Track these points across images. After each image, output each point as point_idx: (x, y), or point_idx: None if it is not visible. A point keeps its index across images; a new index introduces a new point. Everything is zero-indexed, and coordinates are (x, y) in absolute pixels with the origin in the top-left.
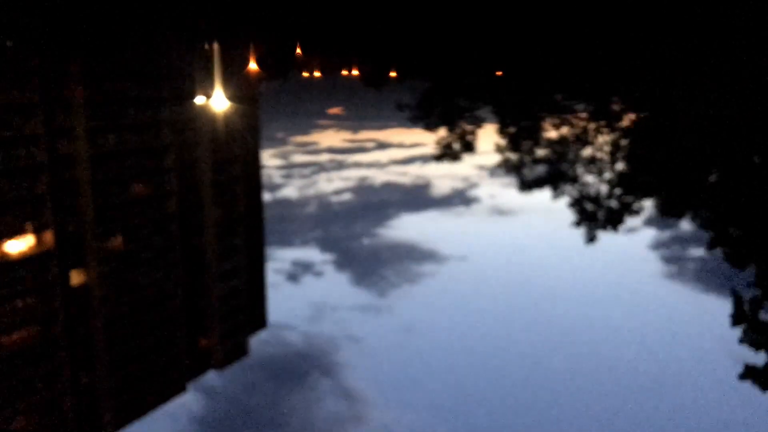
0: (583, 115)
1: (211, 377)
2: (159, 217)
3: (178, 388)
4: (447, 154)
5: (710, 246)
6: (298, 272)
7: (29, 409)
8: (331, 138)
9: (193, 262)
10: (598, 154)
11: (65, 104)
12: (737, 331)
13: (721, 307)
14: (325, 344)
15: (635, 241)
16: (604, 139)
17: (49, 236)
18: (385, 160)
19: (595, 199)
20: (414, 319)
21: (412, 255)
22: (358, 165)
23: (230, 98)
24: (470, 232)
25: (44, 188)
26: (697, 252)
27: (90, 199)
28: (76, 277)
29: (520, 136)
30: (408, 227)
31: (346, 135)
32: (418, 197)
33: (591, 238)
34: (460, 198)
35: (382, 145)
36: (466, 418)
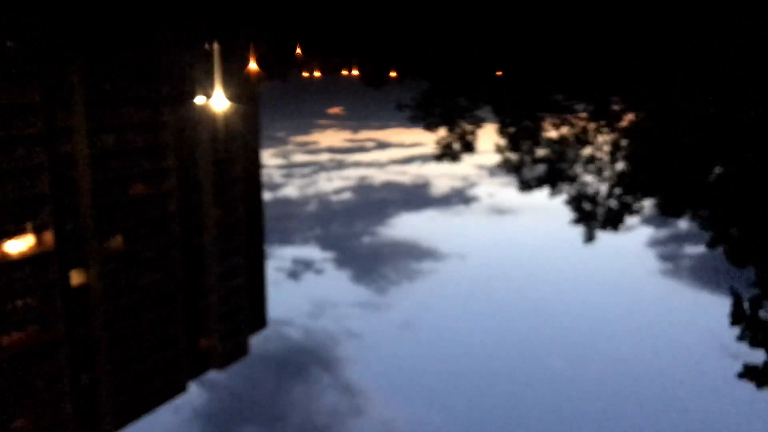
0: (583, 115)
1: (214, 372)
2: (159, 217)
3: (178, 388)
4: (447, 154)
5: (710, 245)
6: (298, 270)
7: (29, 409)
8: (331, 138)
9: (193, 262)
10: (598, 154)
11: (65, 104)
12: (728, 326)
13: (715, 302)
14: (326, 340)
15: (632, 239)
16: (604, 139)
17: (49, 236)
18: (384, 160)
19: (595, 199)
20: (413, 315)
21: (412, 253)
22: (357, 164)
23: (230, 98)
24: (469, 231)
25: (44, 188)
26: (692, 249)
27: (90, 199)
28: (76, 277)
29: (520, 136)
30: (407, 226)
31: (346, 135)
32: (417, 196)
33: (590, 238)
34: (459, 197)
35: (381, 145)
36: (463, 410)
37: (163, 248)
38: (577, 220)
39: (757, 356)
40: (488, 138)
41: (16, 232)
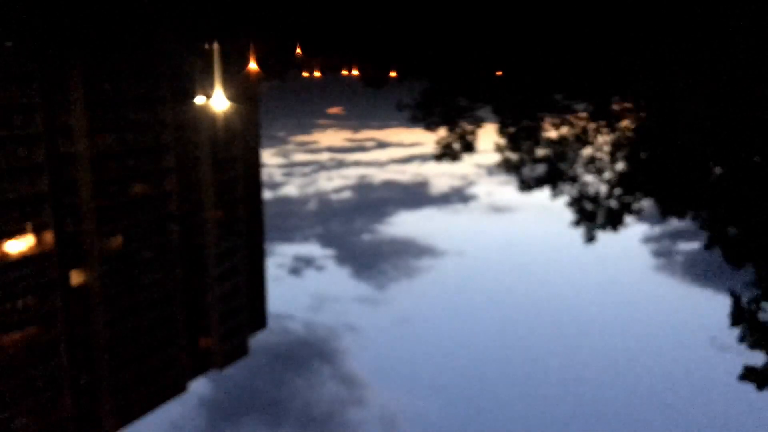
0: (583, 115)
1: (214, 372)
2: (159, 217)
3: (178, 388)
4: (447, 153)
5: (708, 246)
6: (299, 266)
7: (29, 409)
8: (331, 137)
9: (193, 262)
10: (598, 154)
11: (65, 104)
12: (720, 320)
13: (706, 297)
14: (326, 333)
15: (627, 236)
16: (604, 139)
17: (49, 236)
18: (384, 159)
19: (595, 199)
20: (411, 310)
21: (410, 250)
22: (357, 164)
23: (230, 98)
24: (467, 229)
25: (44, 188)
26: (685, 246)
27: (90, 199)
28: (76, 277)
29: (520, 136)
30: (406, 224)
31: (347, 134)
32: (416, 195)
33: (590, 238)
34: (458, 196)
35: (381, 145)
36: (460, 400)
37: (163, 248)
38: (578, 221)
39: (742, 347)
40: (488, 138)
41: (16, 232)
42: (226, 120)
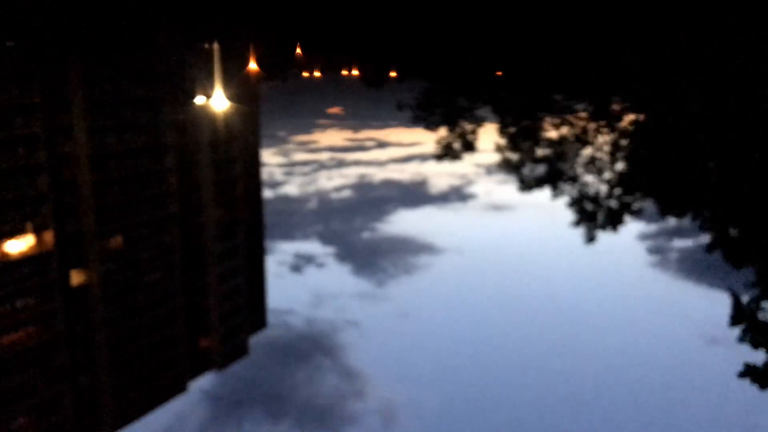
0: (583, 115)
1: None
2: (159, 217)
3: (178, 388)
4: (448, 153)
5: (709, 248)
6: (300, 264)
7: (29, 409)
8: (331, 137)
9: (193, 262)
10: (598, 154)
11: (65, 104)
12: (712, 315)
13: (699, 293)
14: (326, 328)
15: (623, 233)
16: (604, 139)
17: (49, 236)
18: (384, 159)
19: (595, 199)
20: (410, 306)
21: (409, 248)
22: (357, 163)
23: (230, 98)
24: (466, 227)
25: (44, 188)
26: (680, 243)
27: (90, 199)
28: (76, 277)
29: (520, 135)
30: (405, 222)
31: (347, 134)
32: (416, 194)
33: (591, 238)
34: (457, 194)
35: (381, 144)
36: (458, 394)
37: (163, 248)
38: (578, 221)
39: (727, 333)
40: (487, 137)
41: (16, 232)
42: (226, 120)
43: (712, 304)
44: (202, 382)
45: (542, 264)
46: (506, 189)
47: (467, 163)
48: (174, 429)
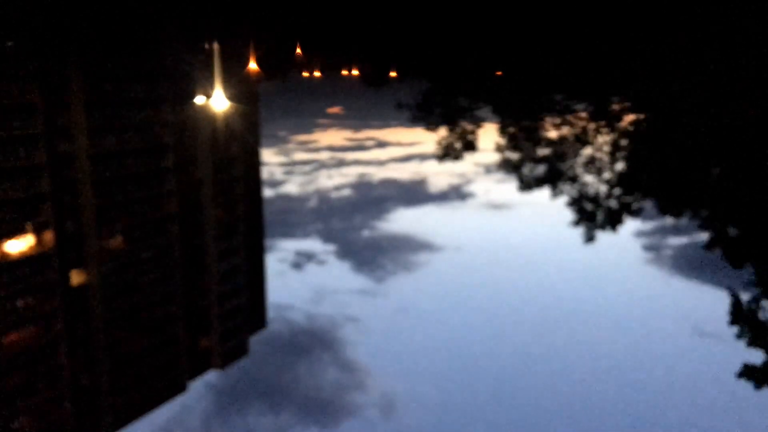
0: (583, 115)
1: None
2: (159, 217)
3: (178, 388)
4: (449, 154)
5: (708, 246)
6: (301, 261)
7: (29, 409)
8: (331, 137)
9: (193, 262)
10: (598, 154)
11: (65, 104)
12: (702, 309)
13: (691, 288)
14: (327, 323)
15: (620, 231)
16: (604, 139)
17: (49, 236)
18: (384, 158)
19: (595, 199)
20: (409, 301)
21: (409, 245)
22: (357, 162)
23: (230, 98)
24: (464, 225)
25: (44, 188)
26: (674, 241)
27: (90, 199)
28: (76, 277)
29: (520, 135)
30: (405, 220)
31: (347, 134)
32: (415, 192)
33: (590, 238)
34: (455, 193)
35: (381, 144)
36: (456, 386)
37: (163, 248)
38: (578, 221)
39: (716, 326)
40: (487, 137)
41: (16, 232)
42: (226, 120)
43: (705, 300)
44: (206, 376)
45: (539, 261)
46: (505, 188)
47: (466, 162)
48: (180, 420)
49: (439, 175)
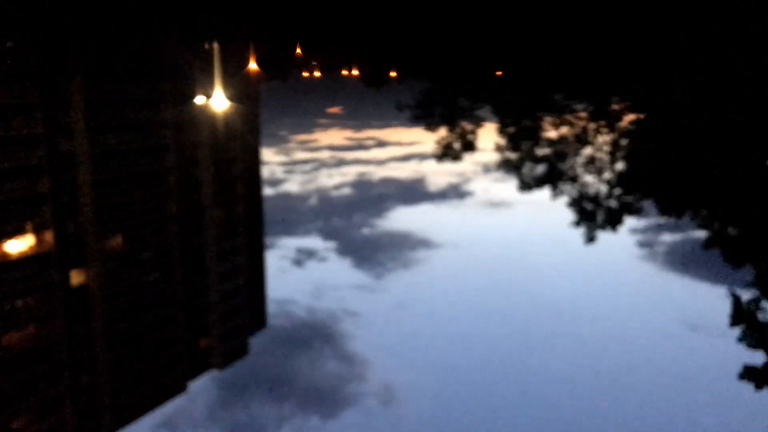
0: (583, 115)
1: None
2: (159, 217)
3: (178, 388)
4: (448, 154)
5: (707, 245)
6: (302, 258)
7: (29, 409)
8: (332, 136)
9: (193, 262)
10: (598, 154)
11: (65, 104)
12: (693, 304)
13: (682, 283)
14: (327, 317)
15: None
16: (603, 139)
17: (49, 236)
18: (383, 157)
19: (595, 199)
20: (407, 296)
21: (407, 242)
22: (357, 161)
23: (230, 98)
24: (463, 223)
25: (44, 188)
26: (666, 238)
27: (90, 199)
28: (76, 277)
29: (520, 135)
30: (404, 218)
31: (347, 133)
32: (414, 191)
33: (590, 238)
34: (454, 192)
35: (381, 143)
36: (453, 376)
37: (163, 248)
38: (578, 221)
39: (706, 318)
40: (486, 136)
41: (16, 232)
42: (226, 120)
43: (697, 294)
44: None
45: (536, 257)
46: (503, 186)
47: (465, 162)
48: (185, 410)
49: (438, 174)
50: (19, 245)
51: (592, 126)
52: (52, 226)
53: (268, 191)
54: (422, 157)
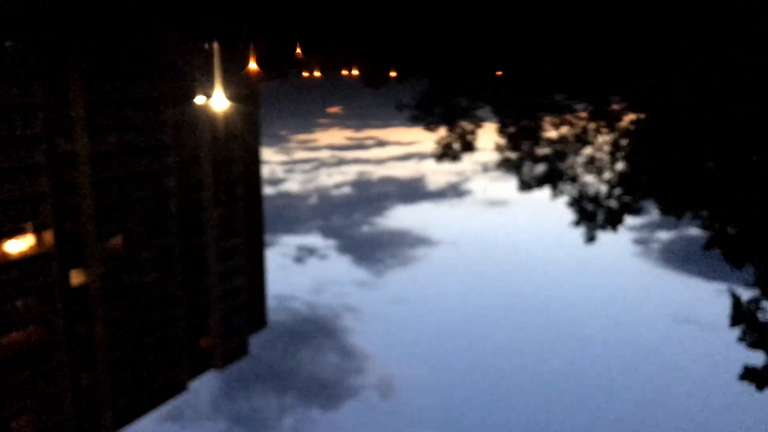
0: (583, 115)
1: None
2: (159, 217)
3: (178, 388)
4: (448, 153)
5: (707, 246)
6: (303, 255)
7: (29, 409)
8: (332, 136)
9: (193, 262)
10: (598, 154)
11: (65, 104)
12: (687, 300)
13: (676, 280)
14: (327, 312)
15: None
16: (604, 139)
17: (49, 236)
18: (383, 157)
19: (595, 199)
20: (406, 292)
21: (407, 240)
22: (357, 161)
23: (230, 98)
24: (461, 221)
25: (44, 188)
26: (661, 235)
27: (90, 199)
28: (76, 277)
29: (520, 135)
30: (403, 217)
31: (347, 133)
32: (413, 190)
33: (591, 238)
34: (453, 191)
35: (381, 143)
36: (451, 369)
37: (163, 248)
38: (578, 221)
39: (696, 312)
40: (485, 135)
41: (16, 232)
42: (226, 120)
43: (690, 291)
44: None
45: (533, 255)
46: (502, 186)
47: (465, 161)
48: (187, 403)
49: (438, 173)
50: (19, 245)
51: (592, 126)
52: (52, 226)
53: (268, 190)
54: (422, 156)
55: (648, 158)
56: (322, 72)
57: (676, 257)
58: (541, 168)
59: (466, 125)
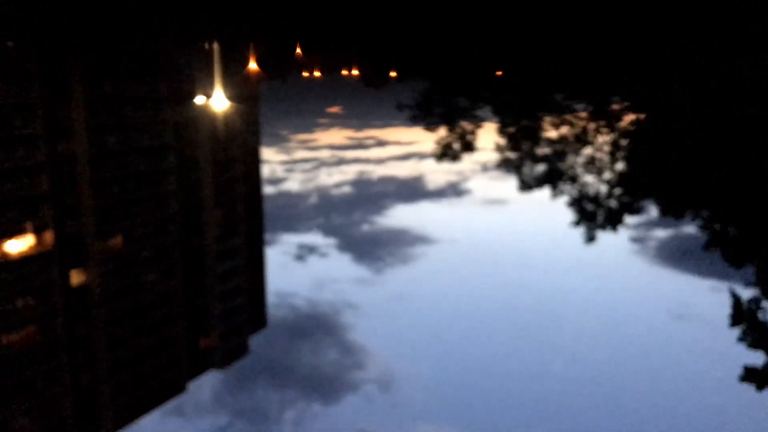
0: (583, 115)
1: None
2: (159, 217)
3: (178, 388)
4: (447, 154)
5: (707, 246)
6: (303, 253)
7: (29, 409)
8: (332, 136)
9: (193, 262)
10: (598, 154)
11: (65, 104)
12: (681, 297)
13: (672, 277)
14: (328, 309)
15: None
16: (604, 139)
17: (49, 236)
18: (383, 156)
19: (595, 199)
20: (405, 289)
21: (406, 239)
22: (357, 161)
23: (230, 98)
24: (460, 220)
25: (44, 188)
26: (658, 233)
27: (90, 199)
28: (76, 277)
29: (520, 135)
30: (403, 216)
31: (347, 133)
32: (413, 189)
33: (591, 238)
34: (452, 190)
35: (381, 143)
36: (450, 365)
37: (163, 248)
38: (578, 221)
39: (688, 309)
40: (485, 135)
41: (16, 232)
42: (226, 120)
43: (685, 288)
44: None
45: (532, 253)
46: (501, 185)
47: (464, 161)
48: (189, 398)
49: (437, 172)
50: (19, 245)
51: (592, 126)
52: (52, 226)
53: (269, 190)
54: (421, 156)
55: (648, 158)
56: (322, 72)
57: (673, 255)
58: (541, 168)
59: (466, 125)
